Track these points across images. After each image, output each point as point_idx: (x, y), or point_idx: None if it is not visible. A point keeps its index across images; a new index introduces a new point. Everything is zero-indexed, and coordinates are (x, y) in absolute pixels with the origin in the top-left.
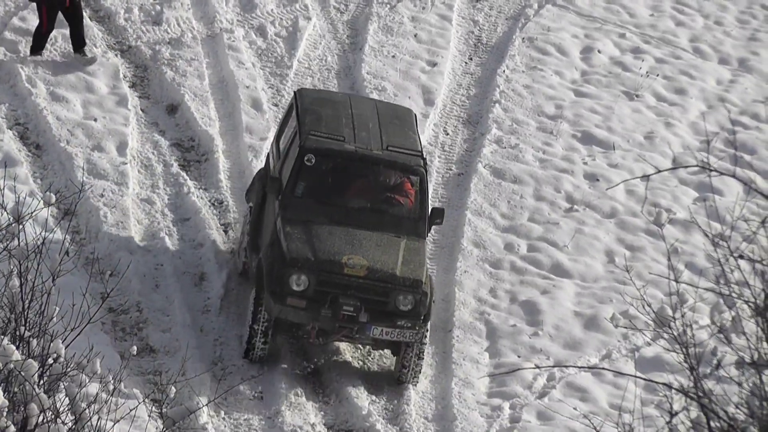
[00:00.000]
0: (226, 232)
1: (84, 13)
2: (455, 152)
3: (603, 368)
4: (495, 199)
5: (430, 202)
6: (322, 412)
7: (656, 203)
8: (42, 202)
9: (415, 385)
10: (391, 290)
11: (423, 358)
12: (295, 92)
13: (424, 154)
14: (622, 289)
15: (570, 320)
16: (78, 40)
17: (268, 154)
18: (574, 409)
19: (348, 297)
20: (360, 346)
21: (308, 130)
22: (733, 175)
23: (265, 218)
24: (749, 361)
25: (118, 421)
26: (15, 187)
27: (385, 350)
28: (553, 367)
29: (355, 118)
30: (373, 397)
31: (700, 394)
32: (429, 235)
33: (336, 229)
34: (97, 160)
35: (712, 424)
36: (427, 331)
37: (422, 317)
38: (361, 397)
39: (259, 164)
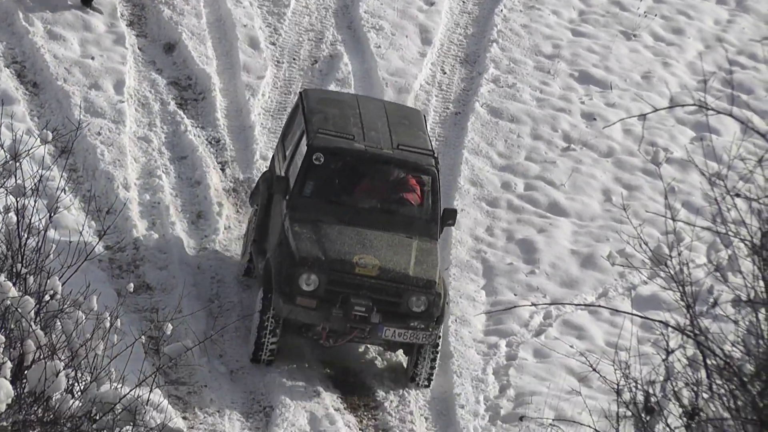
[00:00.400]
0: (223, 170)
1: None
2: (452, 91)
3: (599, 306)
4: (492, 138)
5: (442, 202)
6: (318, 350)
7: (653, 142)
8: (39, 139)
9: (428, 386)
10: (404, 291)
11: (437, 360)
12: (300, 92)
13: (436, 153)
14: (619, 227)
15: (566, 258)
16: None
17: (273, 156)
18: (571, 347)
19: (359, 297)
20: (372, 347)
21: (316, 129)
22: (730, 115)
23: (272, 220)
24: (745, 299)
25: (115, 357)
26: (12, 125)
27: (398, 351)
28: (550, 305)
29: (363, 117)
30: None
31: (697, 332)
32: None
33: (346, 229)
34: (94, 99)
35: (708, 361)
36: (441, 333)
37: (435, 319)
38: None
39: (257, 102)
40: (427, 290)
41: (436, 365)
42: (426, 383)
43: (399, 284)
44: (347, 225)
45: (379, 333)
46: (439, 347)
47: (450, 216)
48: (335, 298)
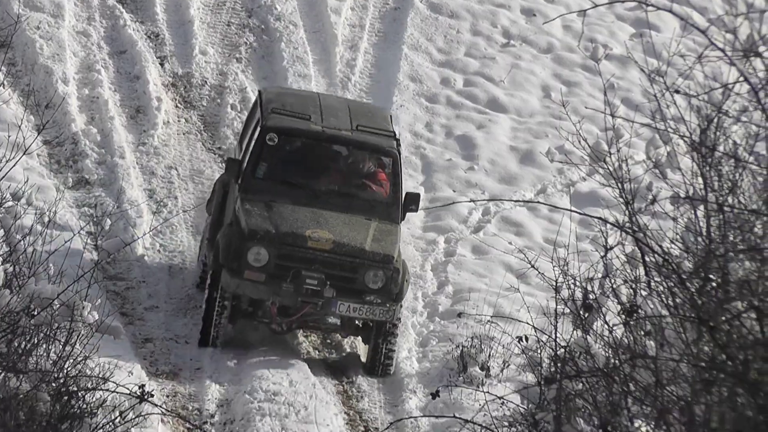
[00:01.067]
0: (162, 65)
1: None
2: None
3: (538, 202)
4: (431, 34)
5: (403, 185)
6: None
7: (593, 39)
8: None
9: (387, 376)
10: (360, 265)
11: (395, 348)
12: (259, 90)
13: (398, 135)
14: (558, 124)
15: (505, 155)
16: None
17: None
18: (509, 243)
19: (312, 271)
20: (327, 333)
21: (271, 110)
22: (670, 11)
23: (225, 214)
24: (684, 196)
25: (53, 252)
26: None
27: (356, 338)
28: (488, 201)
29: (323, 105)
30: None
31: (635, 229)
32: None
33: (300, 209)
34: None
35: (646, 259)
36: (399, 313)
37: (394, 296)
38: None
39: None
40: (385, 265)
41: (394, 353)
42: (385, 372)
43: (354, 258)
44: (302, 206)
45: (333, 308)
46: (397, 331)
47: (413, 201)
48: (286, 273)
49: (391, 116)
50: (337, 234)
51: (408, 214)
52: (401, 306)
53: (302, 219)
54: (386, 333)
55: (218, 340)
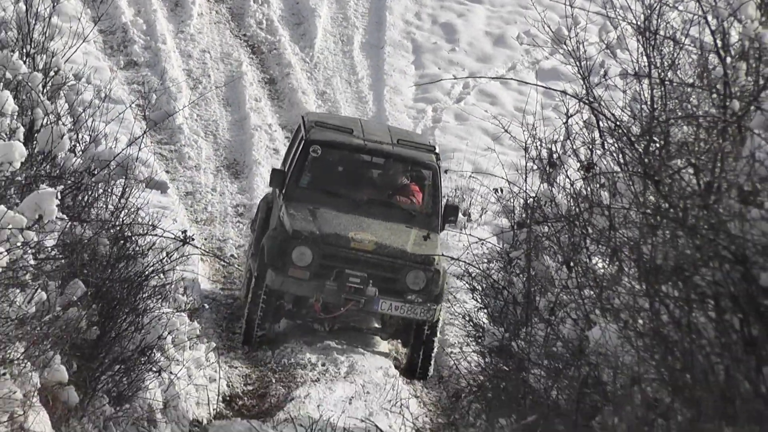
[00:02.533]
0: None
1: None
2: None
3: (509, 78)
4: None
5: (443, 198)
6: (278, 115)
7: None
8: None
9: (425, 379)
10: (402, 267)
11: (434, 352)
12: (302, 115)
13: (437, 149)
14: (525, 12)
15: (482, 38)
16: None
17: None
18: (485, 111)
19: (355, 270)
20: (368, 335)
21: (314, 123)
22: None
23: (270, 226)
24: (631, 72)
25: (109, 122)
26: None
27: (396, 341)
28: (468, 78)
29: (364, 125)
30: (320, 102)
31: (591, 99)
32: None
33: (342, 215)
34: None
35: (601, 124)
36: (439, 315)
37: (434, 297)
38: (310, 102)
39: None
40: (426, 266)
41: (433, 357)
42: (424, 375)
43: (396, 259)
44: (345, 213)
45: (375, 306)
46: (437, 337)
47: (452, 213)
48: (329, 272)
49: (431, 140)
50: (380, 236)
51: (402, 89)
52: (441, 308)
53: (345, 223)
54: (427, 335)
55: (261, 333)
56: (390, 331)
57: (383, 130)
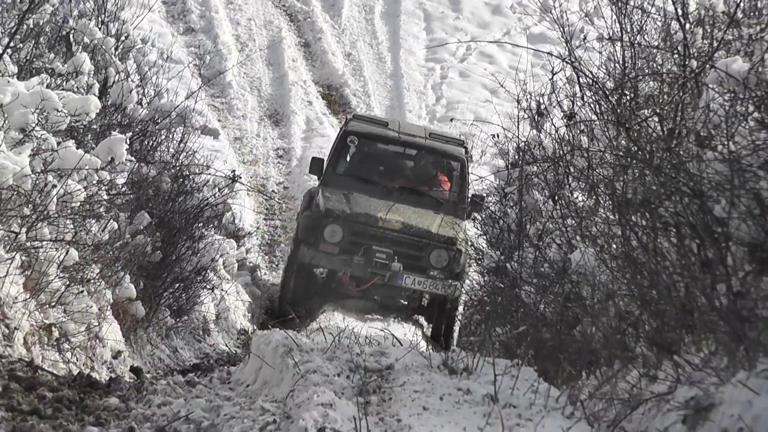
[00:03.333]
0: None
1: None
2: None
3: (504, 42)
4: None
5: (470, 189)
6: (311, 72)
7: None
8: None
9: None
10: (426, 245)
11: (455, 326)
12: (347, 116)
13: (466, 143)
14: None
15: (481, 8)
16: None
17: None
18: (484, 69)
19: (382, 246)
20: (394, 305)
21: (353, 116)
22: None
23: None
24: (606, 36)
25: (170, 79)
26: None
27: (420, 317)
28: (470, 41)
29: (400, 121)
30: (346, 62)
31: (573, 59)
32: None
33: (374, 199)
34: None
35: (580, 80)
36: (461, 292)
37: (456, 275)
38: (338, 62)
39: None
40: (449, 246)
41: (455, 330)
42: (447, 345)
43: (421, 239)
44: (376, 198)
45: (399, 280)
46: (458, 312)
47: (478, 202)
48: (358, 249)
49: (461, 136)
50: (407, 218)
51: (415, 50)
52: (462, 286)
53: (375, 205)
54: (448, 310)
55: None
56: (414, 306)
57: (417, 127)
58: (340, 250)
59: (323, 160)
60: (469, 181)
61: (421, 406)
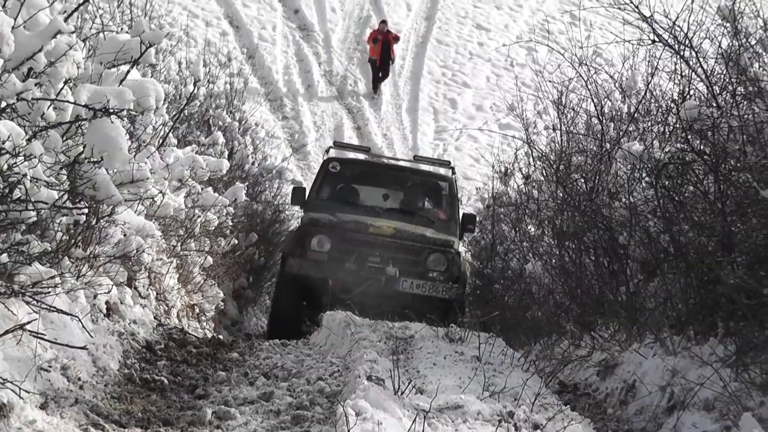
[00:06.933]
0: None
1: None
2: None
3: (484, 129)
4: None
5: (460, 209)
6: None
7: None
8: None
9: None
10: (422, 249)
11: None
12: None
13: (452, 164)
14: (493, 93)
15: (470, 107)
16: None
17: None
18: (471, 145)
19: (375, 251)
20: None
21: (333, 144)
22: None
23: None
24: (551, 126)
25: (272, 149)
26: None
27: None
28: (462, 129)
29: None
30: (383, 139)
31: (529, 140)
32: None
33: (362, 216)
34: None
35: (534, 153)
36: (462, 295)
37: (455, 278)
38: (378, 139)
39: None
40: (446, 249)
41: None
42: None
43: (416, 243)
44: (364, 216)
45: (396, 285)
46: (465, 317)
47: (470, 221)
48: (349, 256)
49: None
50: (399, 225)
51: (427, 131)
52: (463, 292)
53: (364, 217)
54: (453, 316)
55: (285, 319)
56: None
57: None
58: (329, 258)
59: (305, 189)
60: (460, 200)
61: (432, 363)
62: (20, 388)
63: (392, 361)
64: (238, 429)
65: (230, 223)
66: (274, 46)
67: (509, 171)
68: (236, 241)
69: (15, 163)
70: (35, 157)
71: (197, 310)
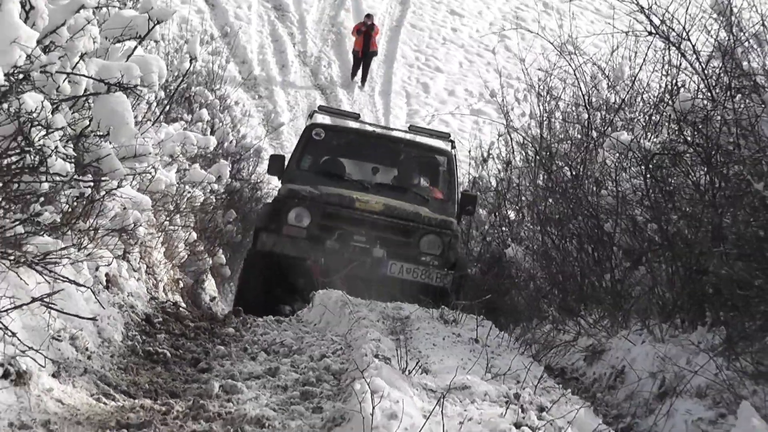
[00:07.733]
0: None
1: None
2: None
3: (456, 113)
4: None
5: (459, 186)
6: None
7: None
8: None
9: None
10: (415, 230)
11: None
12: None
13: (451, 137)
14: (465, 78)
15: (442, 91)
16: None
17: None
18: (444, 130)
19: (361, 229)
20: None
21: (318, 108)
22: None
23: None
24: (529, 115)
25: (248, 128)
26: None
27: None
28: (435, 114)
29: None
30: None
31: (510, 128)
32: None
33: (347, 191)
34: None
35: (514, 139)
36: (458, 284)
37: (452, 264)
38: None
39: None
40: (442, 230)
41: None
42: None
43: (408, 222)
44: (350, 189)
45: (384, 269)
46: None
47: (469, 202)
48: (331, 234)
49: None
50: (389, 201)
51: (400, 116)
52: (461, 276)
53: (350, 191)
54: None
55: (251, 304)
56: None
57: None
58: (308, 235)
59: (284, 157)
60: (459, 178)
61: (432, 343)
62: (43, 356)
63: (393, 341)
64: (249, 403)
65: (213, 200)
66: (249, 25)
67: (488, 156)
68: (219, 219)
69: (46, 135)
70: (58, 129)
71: (181, 285)
